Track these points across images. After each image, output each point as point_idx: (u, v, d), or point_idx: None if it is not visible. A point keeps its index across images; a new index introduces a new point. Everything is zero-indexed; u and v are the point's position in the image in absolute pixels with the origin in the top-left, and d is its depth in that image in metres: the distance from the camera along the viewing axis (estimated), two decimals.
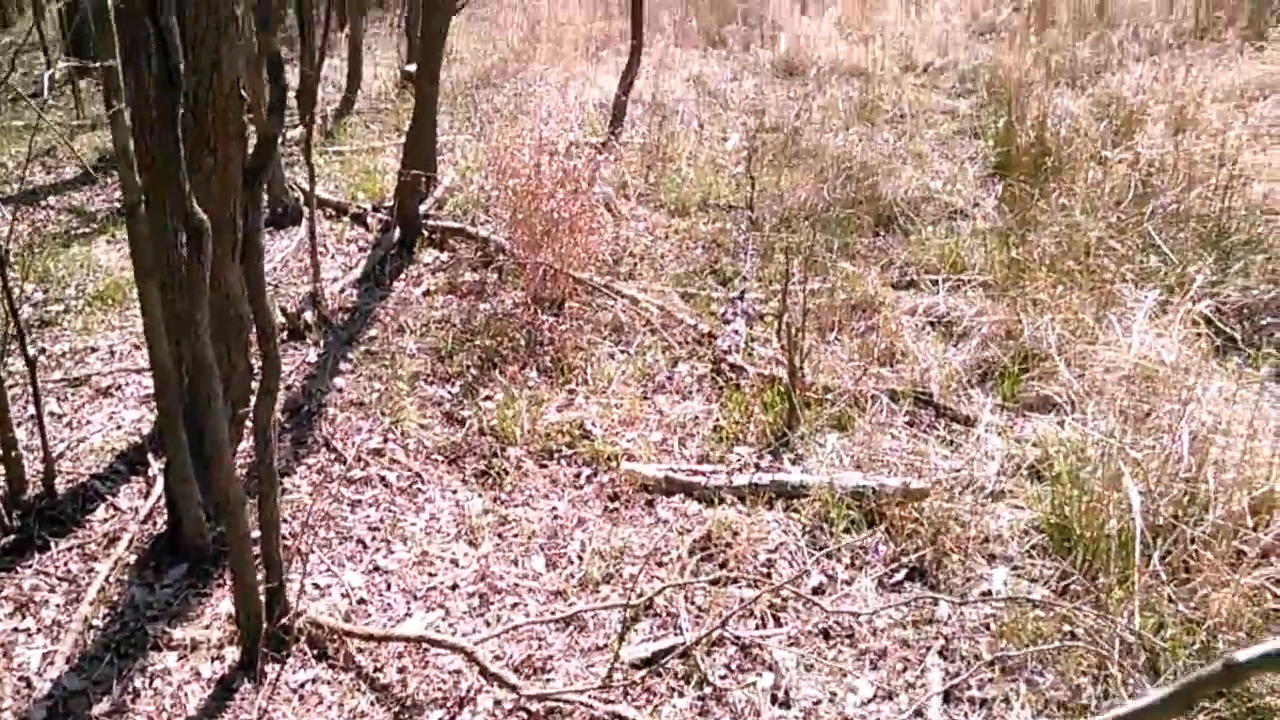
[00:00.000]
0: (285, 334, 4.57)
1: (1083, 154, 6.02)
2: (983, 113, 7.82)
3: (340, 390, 4.18)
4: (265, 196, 5.96)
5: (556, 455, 3.77)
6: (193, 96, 2.44)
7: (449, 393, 4.17)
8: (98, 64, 2.14)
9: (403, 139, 6.11)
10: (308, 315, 4.67)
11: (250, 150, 2.47)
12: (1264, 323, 4.32)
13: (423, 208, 5.78)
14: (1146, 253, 4.79)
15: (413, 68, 6.53)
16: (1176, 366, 3.60)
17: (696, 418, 3.99)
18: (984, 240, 5.34)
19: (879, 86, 8.40)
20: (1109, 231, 4.85)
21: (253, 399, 2.67)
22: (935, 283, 4.96)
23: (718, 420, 3.95)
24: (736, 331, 4.54)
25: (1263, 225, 5.03)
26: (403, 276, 5.28)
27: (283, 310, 4.64)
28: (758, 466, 3.63)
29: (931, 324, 4.65)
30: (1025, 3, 10.34)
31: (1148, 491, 2.99)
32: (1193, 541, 2.85)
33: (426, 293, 5.10)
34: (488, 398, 4.11)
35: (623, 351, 4.52)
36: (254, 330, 2.77)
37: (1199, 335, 3.91)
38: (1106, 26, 9.41)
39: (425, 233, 5.65)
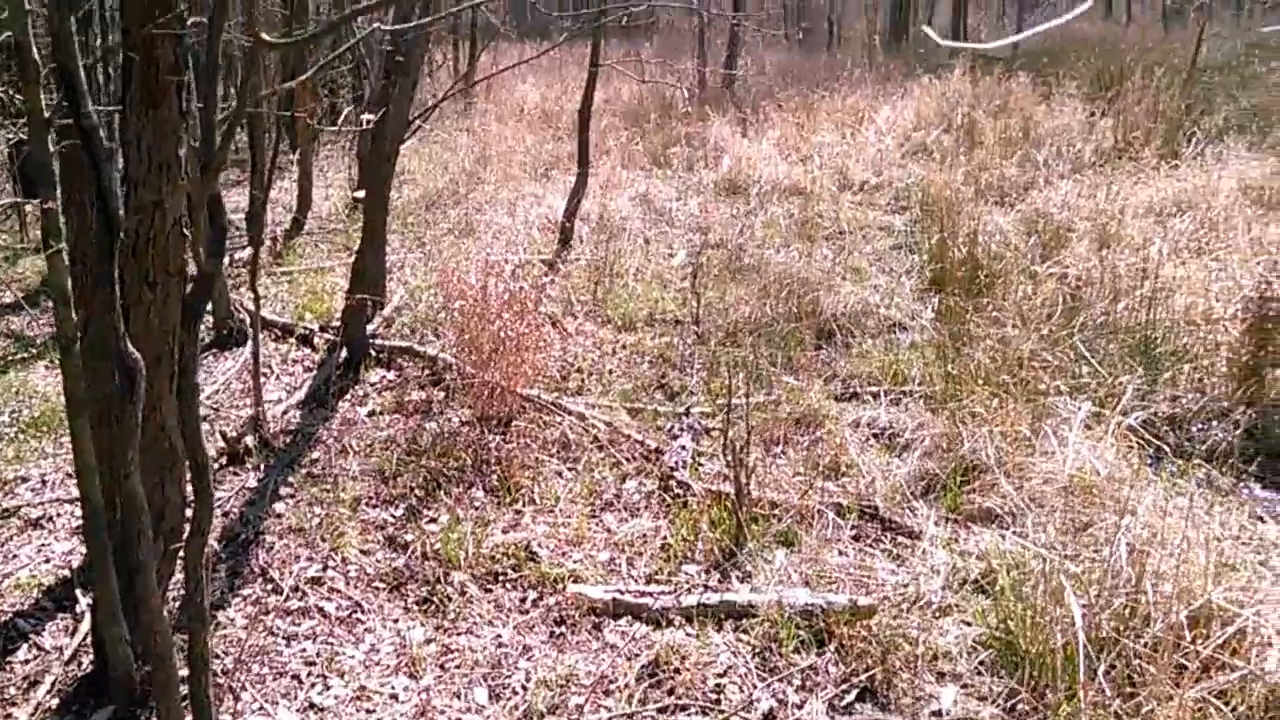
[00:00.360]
0: (225, 459, 4.49)
1: (1013, 269, 6.26)
2: (917, 229, 8.12)
3: (280, 516, 4.09)
4: (210, 318, 5.95)
5: (502, 578, 3.70)
6: (134, 234, 2.46)
7: (392, 516, 4.11)
8: (39, 202, 2.15)
9: (352, 259, 6.16)
10: (249, 439, 4.61)
11: (190, 287, 2.49)
12: (1193, 431, 4.46)
13: (371, 327, 5.80)
14: (1078, 364, 4.94)
15: (362, 194, 6.64)
16: (1112, 478, 3.68)
17: (644, 535, 3.96)
18: (922, 353, 5.47)
19: (818, 204, 8.72)
20: (1041, 344, 5.01)
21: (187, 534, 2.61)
22: (877, 395, 5.05)
23: (666, 538, 3.93)
24: (683, 447, 4.56)
25: (1187, 336, 5.23)
26: (348, 397, 5.25)
27: (223, 435, 4.57)
28: (706, 586, 3.60)
29: (875, 436, 4.72)
30: (954, 124, 10.89)
31: (1089, 605, 3.02)
32: (1136, 656, 2.86)
33: (372, 413, 5.07)
34: (432, 520, 4.06)
35: (570, 469, 4.51)
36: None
37: (1131, 447, 4.01)
38: (1031, 146, 9.91)
39: (372, 352, 5.65)
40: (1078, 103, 11.51)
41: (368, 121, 5.23)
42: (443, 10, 5.72)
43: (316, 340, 5.96)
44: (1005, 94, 11.92)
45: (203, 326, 5.89)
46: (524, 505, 4.17)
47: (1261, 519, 3.81)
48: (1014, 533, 3.67)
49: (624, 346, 5.95)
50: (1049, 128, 10.64)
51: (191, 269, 2.94)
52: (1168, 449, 4.23)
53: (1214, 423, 4.49)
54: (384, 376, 5.50)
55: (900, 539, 3.87)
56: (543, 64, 13.82)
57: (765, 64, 17.08)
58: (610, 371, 5.61)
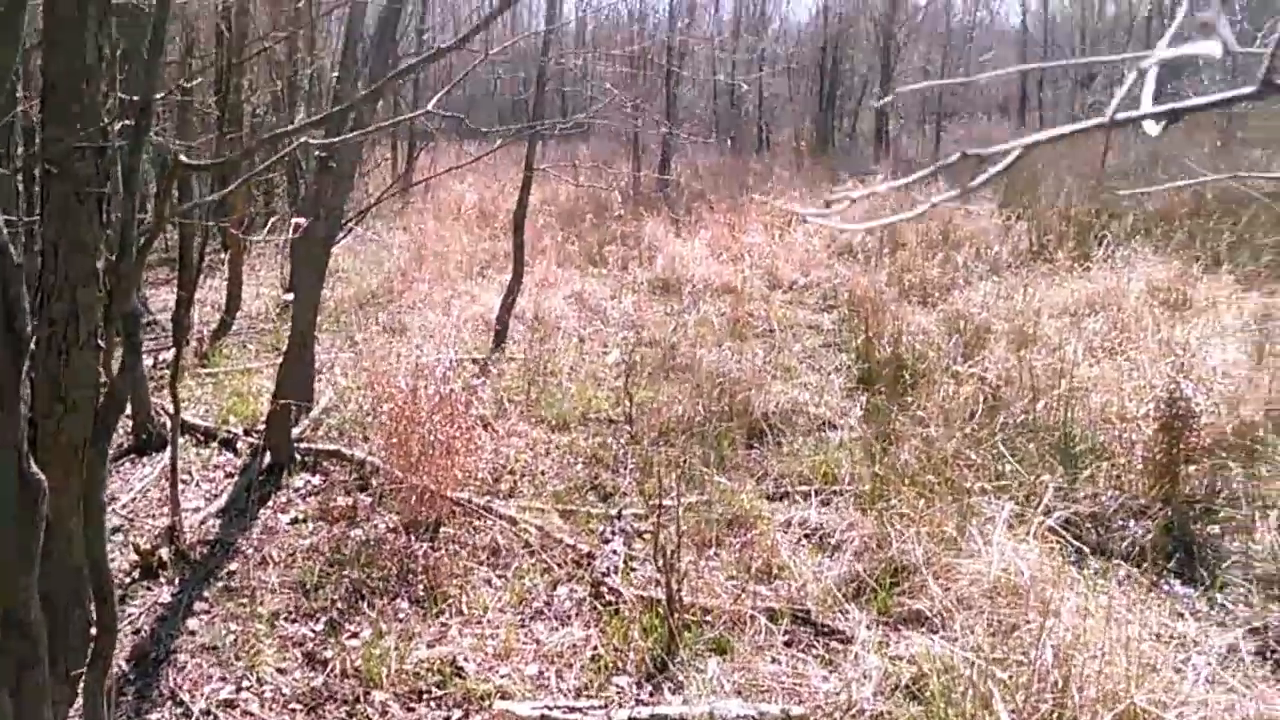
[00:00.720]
0: (137, 573, 4.31)
1: (936, 368, 6.43)
2: (844, 327, 8.32)
3: (193, 634, 3.91)
4: (130, 423, 5.78)
5: (426, 696, 3.57)
6: (46, 347, 2.40)
7: (312, 630, 3.96)
8: None
9: (280, 360, 6.07)
10: (164, 551, 4.43)
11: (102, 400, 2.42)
12: (1113, 529, 4.56)
13: (297, 430, 5.69)
14: (1000, 463, 5.05)
15: (290, 297, 6.60)
16: (1036, 578, 3.73)
17: (575, 646, 3.87)
18: (851, 452, 5.55)
19: (749, 303, 8.90)
20: (965, 443, 5.12)
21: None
22: (808, 495, 5.08)
23: (596, 648, 3.84)
24: (615, 551, 4.51)
25: (1104, 434, 5.40)
26: (271, 504, 5.10)
27: (136, 547, 4.39)
28: (638, 700, 3.52)
29: (806, 536, 4.73)
30: (878, 228, 11.28)
31: (1017, 711, 3.02)
32: None
33: (295, 520, 4.92)
34: (353, 635, 3.92)
35: (500, 576, 4.42)
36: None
37: (1054, 547, 4.09)
38: (951, 248, 10.31)
39: (298, 456, 5.52)
40: (994, 207, 12.05)
41: (297, 227, 5.23)
42: (373, 125, 5.79)
43: (240, 444, 5.81)
44: (926, 199, 12.38)
45: (121, 431, 5.74)
46: (451, 616, 4.06)
47: (1181, 615, 3.89)
48: (943, 636, 3.67)
49: (557, 447, 5.92)
50: (968, 230, 11.10)
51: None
52: (1089, 548, 4.31)
53: (1133, 520, 4.60)
54: (309, 481, 5.37)
55: (833, 643, 3.85)
56: (481, 164, 14.06)
57: (698, 167, 17.62)
58: (543, 473, 5.56)
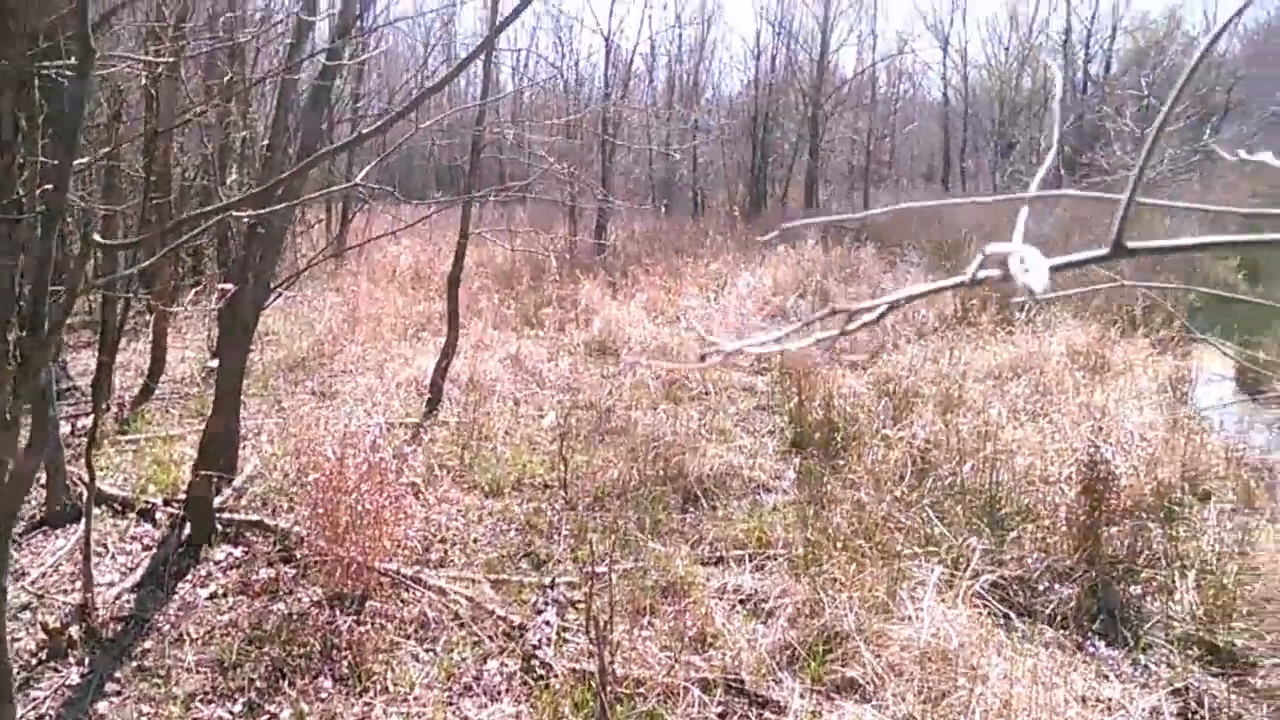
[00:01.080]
0: (45, 653, 4.10)
1: (867, 431, 6.53)
2: (777, 389, 8.42)
3: (102, 717, 3.72)
4: (44, 493, 5.55)
5: None
6: None
7: (229, 712, 3.80)
8: None
9: (204, 426, 5.91)
10: (74, 630, 4.23)
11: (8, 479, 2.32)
12: (1039, 591, 4.64)
13: (219, 499, 5.52)
14: (930, 526, 5.12)
15: (215, 364, 6.45)
16: (965, 644, 3.77)
17: None
18: (784, 515, 5.57)
19: (684, 364, 8.95)
20: (895, 506, 5.18)
21: None
22: (742, 560, 5.08)
23: None
24: (547, 623, 4.43)
25: (1029, 496, 5.52)
26: (189, 577, 4.92)
27: (44, 626, 4.18)
28: None
29: (740, 603, 4.71)
30: (809, 290, 11.52)
31: None
32: None
33: (214, 595, 4.75)
34: (273, 716, 3.77)
35: (428, 650, 4.30)
36: None
37: (980, 612, 4.13)
38: None
39: (219, 527, 5.35)
40: (920, 270, 12.40)
41: (224, 294, 5.14)
42: (304, 195, 5.76)
43: (159, 515, 5.61)
44: (855, 262, 12.74)
45: (34, 502, 5.50)
46: (375, 694, 3.93)
47: (1106, 677, 3.95)
48: (875, 704, 3.67)
49: (490, 513, 5.84)
50: (892, 290, 11.35)
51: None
52: (1016, 611, 4.37)
53: (1058, 583, 4.69)
54: (230, 554, 5.19)
55: (766, 714, 3.82)
56: (417, 226, 14.02)
57: (634, 231, 17.84)
58: (475, 540, 5.47)
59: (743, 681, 3.98)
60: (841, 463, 6.01)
